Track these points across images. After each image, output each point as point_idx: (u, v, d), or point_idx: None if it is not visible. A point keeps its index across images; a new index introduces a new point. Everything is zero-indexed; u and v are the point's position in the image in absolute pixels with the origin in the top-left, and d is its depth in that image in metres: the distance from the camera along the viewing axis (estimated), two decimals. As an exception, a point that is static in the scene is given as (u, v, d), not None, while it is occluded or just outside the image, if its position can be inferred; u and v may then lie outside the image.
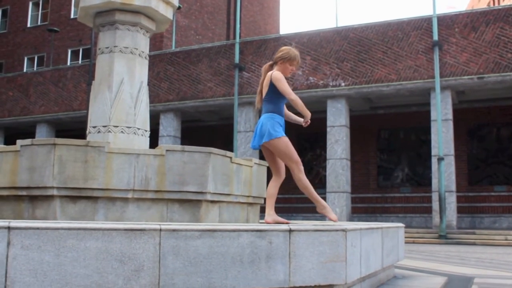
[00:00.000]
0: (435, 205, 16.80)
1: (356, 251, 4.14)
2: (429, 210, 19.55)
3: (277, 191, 4.90)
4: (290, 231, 3.65)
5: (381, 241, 5.14)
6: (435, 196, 16.88)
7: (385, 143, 22.17)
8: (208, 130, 24.37)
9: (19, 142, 5.13)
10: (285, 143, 4.75)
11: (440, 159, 16.36)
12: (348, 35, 18.77)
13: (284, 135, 4.78)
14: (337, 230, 3.84)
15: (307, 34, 19.61)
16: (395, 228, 5.97)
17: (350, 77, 18.33)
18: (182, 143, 21.26)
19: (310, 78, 18.81)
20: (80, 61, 28.27)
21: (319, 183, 22.03)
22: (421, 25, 17.75)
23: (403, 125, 21.64)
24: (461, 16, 17.44)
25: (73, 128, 25.57)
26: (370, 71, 18.09)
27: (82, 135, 22.43)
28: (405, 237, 8.77)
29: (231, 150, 18.81)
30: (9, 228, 3.05)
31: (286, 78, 4.88)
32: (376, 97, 19.36)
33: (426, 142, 20.41)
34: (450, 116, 17.18)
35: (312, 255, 3.72)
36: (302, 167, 4.79)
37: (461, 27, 17.23)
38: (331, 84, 18.45)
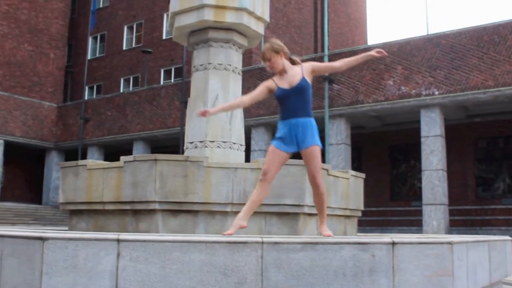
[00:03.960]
0: (542, 217, 15.84)
1: (463, 264, 3.97)
2: (534, 223, 18.45)
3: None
4: (393, 244, 3.55)
5: (488, 255, 4.90)
6: (541, 208, 15.91)
7: (484, 153, 21.17)
8: (298, 144, 24.31)
9: (123, 158, 5.35)
10: (269, 151, 4.28)
11: (546, 168, 15.42)
12: (440, 42, 18.18)
13: (273, 143, 4.27)
14: (442, 243, 3.69)
15: (396, 43, 19.20)
16: (502, 242, 5.68)
17: (444, 85, 17.72)
18: (273, 157, 21.30)
19: (402, 87, 18.37)
20: (172, 80, 29.21)
21: (414, 195, 21.33)
22: (520, 27, 16.90)
23: (502, 133, 20.59)
24: None
25: (168, 145, 26.40)
26: (465, 78, 17.42)
27: (176, 151, 23.07)
28: None
29: (323, 163, 18.65)
30: (118, 240, 3.17)
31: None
32: (472, 105, 18.59)
33: (529, 151, 19.32)
34: (555, 122, 16.20)
35: (417, 269, 3.59)
36: (264, 179, 4.15)
37: None
38: (424, 93, 17.92)
